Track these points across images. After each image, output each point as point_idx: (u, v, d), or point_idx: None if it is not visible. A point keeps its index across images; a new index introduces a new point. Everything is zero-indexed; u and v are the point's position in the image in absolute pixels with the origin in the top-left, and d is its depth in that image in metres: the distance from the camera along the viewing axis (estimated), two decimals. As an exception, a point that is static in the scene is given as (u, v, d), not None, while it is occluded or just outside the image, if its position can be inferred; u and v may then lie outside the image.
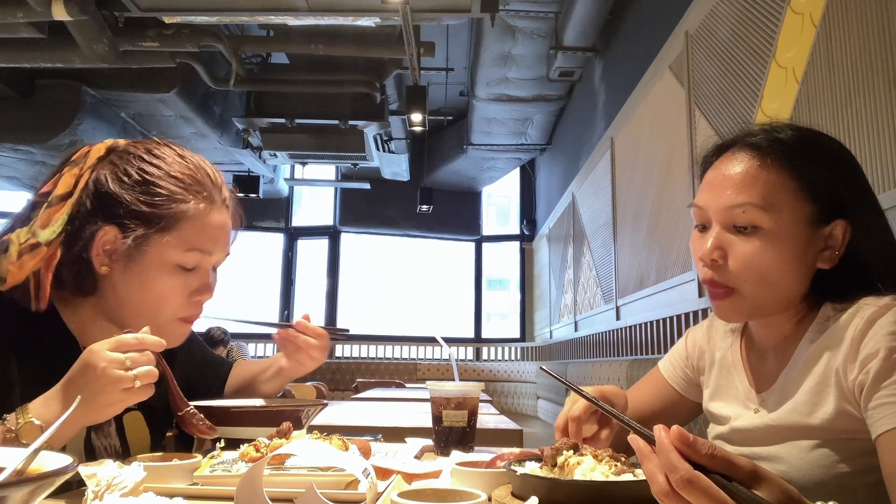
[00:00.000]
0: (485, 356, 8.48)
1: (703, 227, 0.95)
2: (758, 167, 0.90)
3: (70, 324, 0.99)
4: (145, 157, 0.99)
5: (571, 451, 0.81)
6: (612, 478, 0.75)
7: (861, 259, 0.89)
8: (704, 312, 2.80)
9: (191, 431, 0.96)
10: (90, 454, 1.00)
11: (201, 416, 0.96)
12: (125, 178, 0.96)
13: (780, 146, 0.90)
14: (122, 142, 1.04)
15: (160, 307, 0.98)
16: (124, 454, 1.06)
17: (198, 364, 1.30)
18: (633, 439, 0.63)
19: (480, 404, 1.59)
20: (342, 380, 7.71)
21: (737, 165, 0.92)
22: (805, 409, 0.86)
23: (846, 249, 0.89)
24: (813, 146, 0.93)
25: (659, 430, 0.60)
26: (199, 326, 6.23)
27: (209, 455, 0.93)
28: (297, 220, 9.25)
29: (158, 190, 0.96)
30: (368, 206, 8.84)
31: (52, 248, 0.93)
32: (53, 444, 0.81)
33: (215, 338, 5.48)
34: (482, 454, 1.14)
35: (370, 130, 6.48)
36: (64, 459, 0.53)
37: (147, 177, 0.97)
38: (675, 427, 0.59)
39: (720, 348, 1.07)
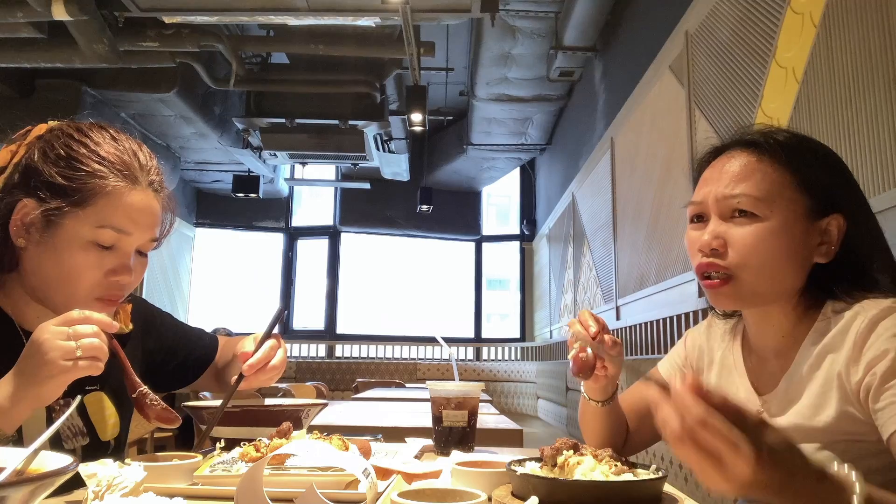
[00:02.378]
0: (485, 356, 8.48)
1: (699, 219, 0.96)
2: (755, 162, 0.92)
3: (3, 304, 1.00)
4: (74, 135, 1.00)
5: (571, 451, 0.81)
6: (612, 478, 0.76)
7: (857, 254, 0.90)
8: (704, 313, 2.79)
9: (145, 415, 0.94)
10: (54, 436, 0.99)
11: (156, 397, 0.93)
12: (50, 153, 0.97)
13: (776, 143, 0.93)
14: (63, 122, 1.05)
15: (75, 284, 0.96)
16: (90, 435, 1.06)
17: (169, 343, 1.28)
18: (648, 384, 0.65)
19: (480, 404, 1.59)
20: (342, 380, 7.71)
21: (734, 162, 0.94)
22: (808, 413, 0.86)
23: (842, 245, 0.90)
24: (806, 145, 0.95)
25: (674, 379, 0.61)
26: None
27: (209, 455, 0.94)
28: (297, 220, 9.25)
29: (79, 166, 0.96)
30: (368, 206, 8.84)
31: None
32: (5, 430, 0.82)
33: None
34: (482, 454, 1.14)
35: (370, 130, 6.48)
36: (64, 459, 0.53)
37: (71, 153, 0.97)
38: (689, 374, 0.62)
39: (719, 348, 1.07)
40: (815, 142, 0.97)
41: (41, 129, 1.02)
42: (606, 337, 1.02)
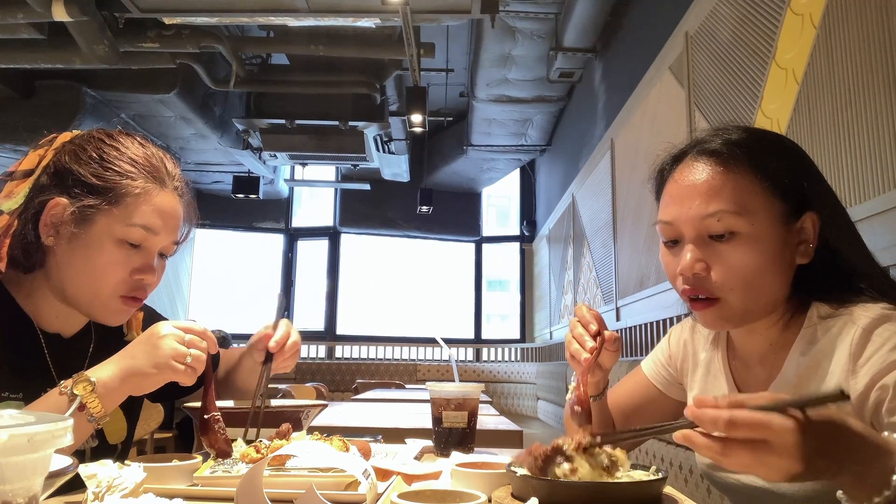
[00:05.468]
0: (485, 357, 8.47)
1: (674, 242, 0.92)
2: (722, 172, 0.88)
3: (23, 304, 1.02)
4: (105, 140, 1.04)
5: (560, 458, 0.80)
6: (609, 479, 0.76)
7: (834, 247, 0.88)
8: (704, 313, 2.79)
9: (207, 440, 0.95)
10: None
11: (223, 426, 0.95)
12: (82, 155, 1.02)
13: (738, 148, 0.89)
14: (91, 129, 1.09)
15: (102, 281, 0.99)
16: (100, 440, 1.08)
17: None
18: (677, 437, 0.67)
19: (480, 405, 1.59)
20: (342, 381, 7.70)
21: (699, 174, 0.90)
22: None
23: (818, 242, 0.88)
24: (767, 143, 0.92)
25: (687, 413, 0.67)
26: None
27: (209, 456, 0.94)
28: (297, 220, 9.24)
29: (111, 167, 1.01)
30: (368, 207, 8.84)
31: (12, 218, 0.98)
32: (107, 408, 0.89)
33: None
34: (482, 455, 1.14)
35: (370, 131, 6.47)
36: (64, 460, 0.53)
37: (103, 154, 1.02)
38: (688, 407, 0.66)
39: (704, 349, 1.06)
40: (774, 136, 0.95)
41: (67, 136, 1.06)
42: (607, 334, 0.97)
